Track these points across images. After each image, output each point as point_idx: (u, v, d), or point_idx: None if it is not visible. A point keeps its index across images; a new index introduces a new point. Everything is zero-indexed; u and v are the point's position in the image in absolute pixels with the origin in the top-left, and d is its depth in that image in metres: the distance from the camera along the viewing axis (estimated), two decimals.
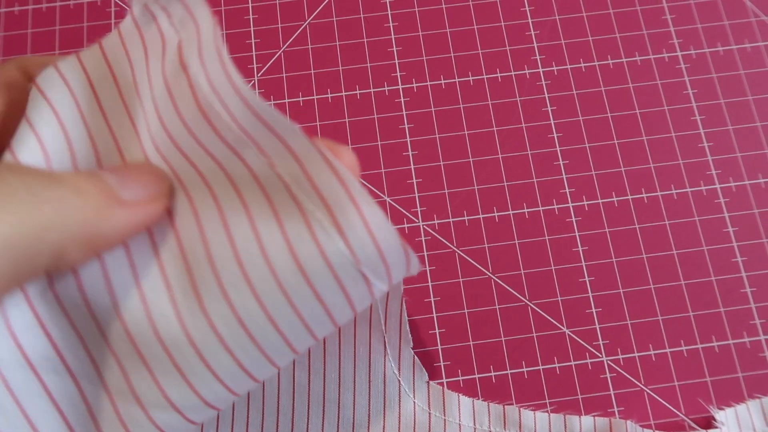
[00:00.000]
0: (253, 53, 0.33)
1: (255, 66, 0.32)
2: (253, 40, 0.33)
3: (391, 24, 0.33)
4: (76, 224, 0.14)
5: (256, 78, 0.32)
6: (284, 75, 0.32)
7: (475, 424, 0.27)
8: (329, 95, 0.32)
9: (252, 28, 0.33)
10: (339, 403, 0.27)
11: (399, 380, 0.27)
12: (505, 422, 0.27)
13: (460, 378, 0.28)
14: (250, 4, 0.33)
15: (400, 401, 0.27)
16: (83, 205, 0.14)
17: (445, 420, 0.27)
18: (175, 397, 0.16)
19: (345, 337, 0.26)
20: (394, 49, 0.33)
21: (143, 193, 0.16)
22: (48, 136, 0.17)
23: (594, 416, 0.27)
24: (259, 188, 0.15)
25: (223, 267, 0.15)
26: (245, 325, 0.15)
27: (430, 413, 0.27)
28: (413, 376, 0.28)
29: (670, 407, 0.28)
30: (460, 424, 0.27)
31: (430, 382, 0.28)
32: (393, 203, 0.30)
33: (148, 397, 0.16)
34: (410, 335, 0.27)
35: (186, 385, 0.16)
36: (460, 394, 0.28)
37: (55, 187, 0.14)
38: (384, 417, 0.27)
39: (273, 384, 0.27)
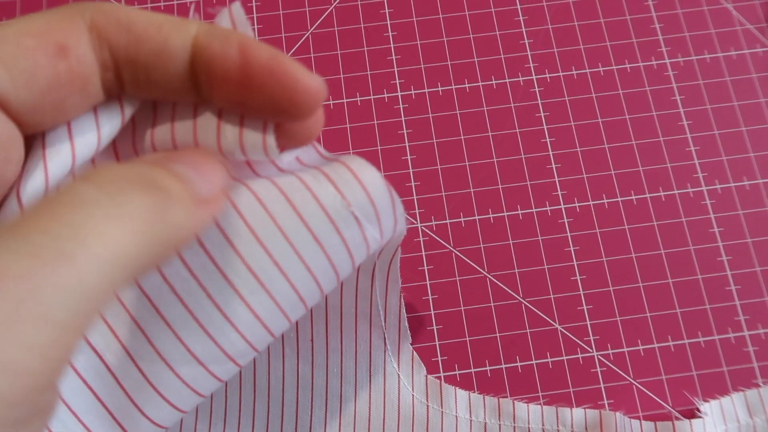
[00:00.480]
0: None
1: None
2: None
3: (390, 33, 0.34)
4: (170, 232, 0.13)
5: None
6: None
7: (471, 416, 0.29)
8: (331, 102, 0.33)
9: (256, 38, 0.34)
10: (341, 396, 0.28)
11: (398, 374, 0.28)
12: (499, 414, 0.28)
13: (457, 372, 0.30)
14: (254, 15, 0.35)
15: (399, 394, 0.29)
16: (176, 212, 0.13)
17: (442, 412, 0.28)
18: (198, 351, 0.17)
19: (347, 333, 0.28)
20: (393, 57, 0.34)
21: (218, 187, 0.15)
22: None
23: (585, 408, 0.29)
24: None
25: (228, 222, 0.17)
26: (255, 273, 0.17)
27: (428, 406, 0.29)
28: (412, 370, 0.29)
29: (658, 400, 0.29)
30: (456, 416, 0.28)
31: (428, 376, 0.29)
32: None
33: (173, 354, 0.17)
34: (409, 331, 0.28)
35: (207, 337, 0.17)
36: (456, 387, 0.29)
37: (149, 193, 0.13)
38: (384, 409, 0.29)
39: (278, 378, 0.28)
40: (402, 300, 0.27)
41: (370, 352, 0.28)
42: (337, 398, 0.28)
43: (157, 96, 0.15)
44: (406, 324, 0.28)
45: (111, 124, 0.15)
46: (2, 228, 0.11)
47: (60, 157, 0.14)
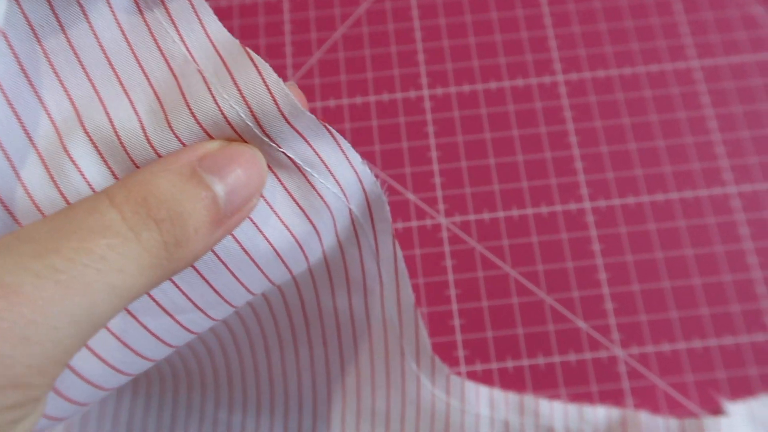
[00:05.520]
0: (289, 61, 0.35)
1: (290, 72, 0.35)
2: (288, 49, 0.35)
3: (417, 34, 0.35)
4: (157, 276, 0.13)
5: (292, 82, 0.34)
6: (317, 81, 0.34)
7: (493, 414, 0.28)
8: (359, 100, 0.34)
9: (288, 38, 0.35)
10: (358, 394, 0.28)
11: (418, 375, 0.28)
12: (522, 411, 0.28)
13: (479, 368, 0.30)
14: (285, 16, 0.36)
15: (418, 392, 0.28)
16: (192, 245, 0.13)
17: (463, 409, 0.28)
18: (198, 300, 0.17)
19: (360, 341, 0.27)
20: (421, 57, 0.35)
21: (252, 194, 0.14)
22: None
23: (608, 407, 0.28)
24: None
25: None
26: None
27: (448, 403, 0.28)
28: (432, 371, 0.28)
29: (684, 401, 0.29)
30: (478, 414, 0.28)
31: (451, 375, 0.29)
32: (417, 201, 0.32)
33: (178, 304, 0.17)
34: (428, 340, 0.27)
35: (205, 283, 0.17)
36: (479, 384, 0.29)
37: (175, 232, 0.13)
38: (403, 406, 0.28)
39: (293, 373, 0.28)
40: (418, 313, 0.26)
41: (387, 357, 0.27)
42: (354, 395, 0.28)
43: None
44: (425, 333, 0.27)
45: None
46: (25, 242, 0.11)
47: None
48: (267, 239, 0.17)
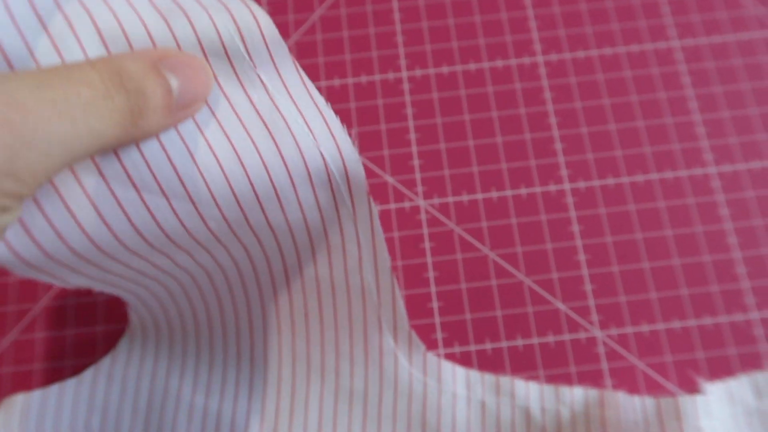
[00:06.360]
0: None
1: None
2: None
3: (396, 15, 0.35)
4: (121, 134, 0.15)
5: None
6: None
7: (469, 394, 0.28)
8: (336, 82, 0.34)
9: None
10: (337, 371, 0.28)
11: (395, 352, 0.28)
12: (498, 391, 0.28)
13: (457, 350, 0.29)
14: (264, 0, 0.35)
15: (396, 371, 0.28)
16: (149, 120, 0.16)
17: (440, 389, 0.28)
18: (163, 182, 0.18)
19: (340, 310, 0.27)
20: (399, 39, 0.34)
21: (198, 97, 0.18)
22: None
23: (585, 388, 0.28)
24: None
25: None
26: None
27: (425, 383, 0.28)
28: (410, 348, 0.28)
29: (662, 381, 0.28)
30: (455, 393, 0.28)
31: (427, 353, 0.29)
32: (395, 183, 0.32)
33: (145, 180, 0.18)
34: (405, 309, 0.28)
35: (168, 163, 0.18)
36: (455, 364, 0.29)
37: (120, 89, 0.15)
38: (381, 386, 0.28)
39: (274, 354, 0.28)
40: (394, 278, 0.26)
41: (366, 331, 0.28)
42: (333, 373, 0.28)
43: None
44: (402, 302, 0.27)
45: None
46: (25, 77, 0.14)
47: None
48: (226, 134, 0.19)
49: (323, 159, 0.20)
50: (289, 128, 0.19)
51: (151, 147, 0.18)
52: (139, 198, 0.18)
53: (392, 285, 0.26)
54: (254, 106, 0.19)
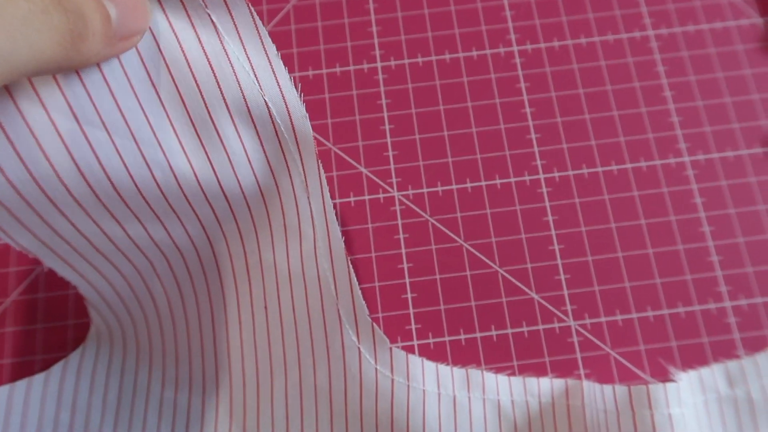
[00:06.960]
0: None
1: None
2: None
3: (371, 5, 0.34)
4: (61, 56, 0.15)
5: None
6: None
7: (439, 390, 0.28)
8: (310, 72, 0.33)
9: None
10: (299, 366, 0.28)
11: (358, 347, 0.27)
12: (469, 386, 0.28)
13: (431, 341, 0.29)
14: None
15: (361, 368, 0.27)
16: (89, 45, 0.15)
17: (408, 386, 0.27)
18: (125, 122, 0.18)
19: (298, 302, 0.26)
20: (374, 29, 0.34)
21: (137, 29, 0.17)
22: None
23: (551, 378, 0.28)
24: None
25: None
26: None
27: (393, 379, 0.27)
28: (374, 343, 0.27)
29: (635, 370, 0.28)
30: (424, 390, 0.27)
31: (393, 348, 0.28)
32: (369, 174, 0.31)
33: (115, 122, 0.18)
34: (363, 301, 0.27)
35: (113, 101, 0.18)
36: (424, 359, 0.28)
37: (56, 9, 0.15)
38: (345, 382, 0.27)
39: (237, 353, 0.27)
40: (350, 264, 0.25)
41: (325, 324, 0.27)
42: (296, 368, 0.28)
43: None
44: (359, 293, 0.26)
45: None
46: None
47: None
48: (171, 74, 0.19)
49: (268, 108, 0.20)
50: (236, 74, 0.19)
51: (92, 77, 0.17)
52: (80, 129, 0.18)
53: (348, 272, 0.25)
54: (203, 48, 0.19)
